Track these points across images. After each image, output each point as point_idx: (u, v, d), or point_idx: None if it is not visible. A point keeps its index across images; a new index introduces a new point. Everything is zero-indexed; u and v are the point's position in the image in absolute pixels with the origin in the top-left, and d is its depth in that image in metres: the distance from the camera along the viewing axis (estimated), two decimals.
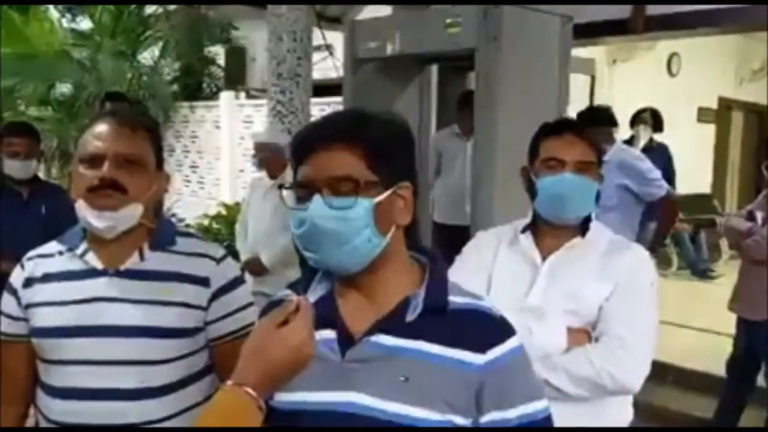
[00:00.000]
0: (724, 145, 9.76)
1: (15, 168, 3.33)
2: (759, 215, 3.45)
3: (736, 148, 10.02)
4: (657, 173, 3.87)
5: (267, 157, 4.02)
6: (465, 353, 1.07)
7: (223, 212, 7.40)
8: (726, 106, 9.62)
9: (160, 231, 1.55)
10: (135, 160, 1.46)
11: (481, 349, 1.07)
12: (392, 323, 1.09)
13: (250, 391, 0.99)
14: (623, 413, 1.84)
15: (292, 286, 1.24)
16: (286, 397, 1.08)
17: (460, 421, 1.06)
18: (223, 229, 6.87)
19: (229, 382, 1.01)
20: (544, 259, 1.80)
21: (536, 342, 1.66)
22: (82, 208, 1.45)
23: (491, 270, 1.83)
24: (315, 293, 1.15)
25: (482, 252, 1.88)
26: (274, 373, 1.01)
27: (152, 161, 1.51)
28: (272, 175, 4.01)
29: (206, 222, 7.22)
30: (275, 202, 3.85)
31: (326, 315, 1.11)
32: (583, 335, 1.71)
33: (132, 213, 1.46)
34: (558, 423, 1.65)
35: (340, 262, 1.09)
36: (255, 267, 3.89)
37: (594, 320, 1.73)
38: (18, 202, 3.36)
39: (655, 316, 1.77)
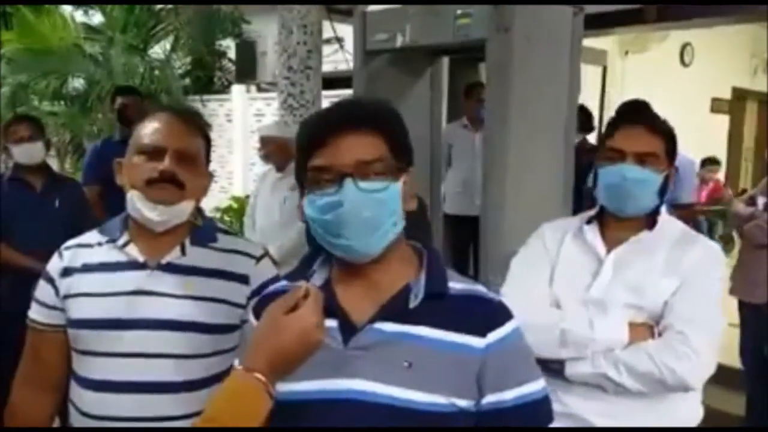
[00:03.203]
0: (737, 136, 9.69)
1: (23, 152, 3.36)
2: (760, 200, 3.45)
3: (750, 138, 9.94)
4: (693, 182, 4.00)
5: (272, 151, 4.03)
6: (466, 337, 1.08)
7: (234, 205, 7.44)
8: (740, 96, 9.55)
9: (202, 227, 1.56)
10: (192, 157, 1.48)
11: (481, 332, 1.08)
12: (394, 310, 1.10)
13: (260, 376, 1.00)
14: (692, 412, 1.78)
15: (288, 277, 1.24)
16: (290, 387, 1.08)
17: (462, 404, 1.07)
18: (234, 222, 6.91)
19: (239, 368, 1.02)
20: (609, 251, 1.76)
21: (597, 336, 1.65)
22: (135, 199, 1.45)
23: (555, 261, 1.81)
24: (315, 282, 1.15)
25: (547, 243, 1.86)
26: (284, 359, 1.02)
27: (204, 158, 1.53)
28: (279, 168, 4.02)
29: (218, 215, 7.26)
30: (283, 194, 3.87)
31: (326, 304, 1.10)
32: (645, 330, 1.68)
33: (185, 209, 1.48)
34: (623, 419, 1.67)
35: (369, 247, 1.09)
36: None
37: (658, 315, 1.69)
38: (32, 194, 3.39)
39: (721, 312, 1.71)
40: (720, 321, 1.71)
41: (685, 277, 1.69)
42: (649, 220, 1.77)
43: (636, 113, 1.80)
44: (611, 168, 1.73)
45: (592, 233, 1.80)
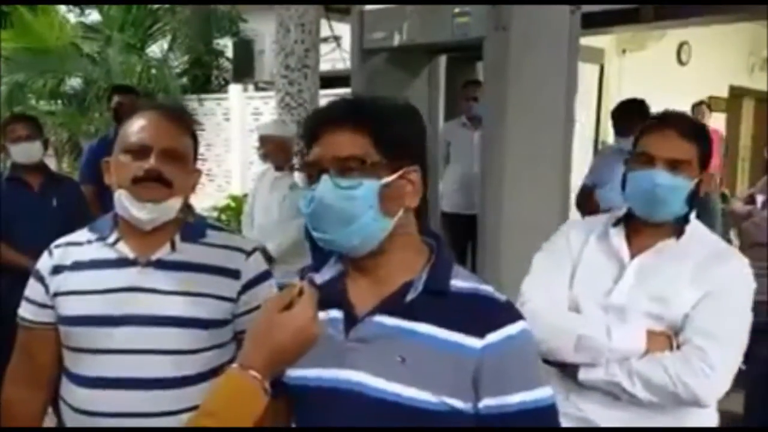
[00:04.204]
0: (734, 134, 9.69)
1: (21, 152, 3.36)
2: (759, 198, 3.46)
3: (747, 136, 9.95)
4: None
5: (271, 150, 4.04)
6: (462, 336, 1.07)
7: (232, 204, 7.44)
8: (737, 94, 9.56)
9: (192, 223, 1.57)
10: (179, 155, 1.48)
11: (479, 333, 1.07)
12: (393, 304, 1.11)
13: (255, 374, 1.00)
14: (707, 420, 1.74)
15: (303, 271, 1.25)
16: (292, 373, 1.12)
17: (456, 403, 1.07)
18: (232, 221, 6.91)
19: (235, 365, 1.03)
20: (633, 257, 1.72)
21: (614, 344, 1.62)
22: (123, 198, 1.46)
23: (577, 262, 1.77)
24: (326, 274, 1.18)
25: (571, 242, 1.81)
26: (279, 356, 1.02)
27: (192, 156, 1.53)
28: (278, 167, 4.03)
29: (215, 214, 7.25)
30: (282, 192, 3.88)
31: (335, 296, 1.14)
32: (663, 340, 1.64)
33: (173, 206, 1.48)
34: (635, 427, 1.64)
35: (347, 242, 1.10)
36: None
37: (679, 326, 1.65)
38: (30, 194, 3.39)
39: (745, 330, 1.67)
40: (742, 339, 1.66)
41: (710, 290, 1.64)
42: (677, 228, 1.72)
43: (668, 117, 1.75)
44: (641, 173, 1.69)
45: (618, 237, 1.75)
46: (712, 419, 1.75)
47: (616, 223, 1.77)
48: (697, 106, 6.64)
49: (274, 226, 3.87)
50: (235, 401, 1.00)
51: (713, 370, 1.58)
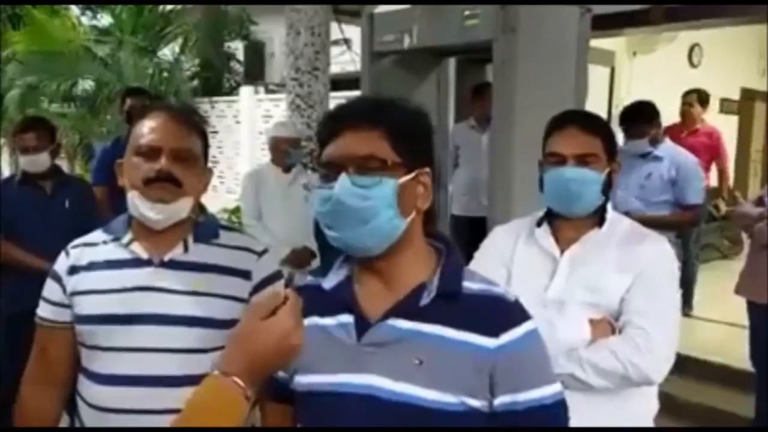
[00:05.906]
0: (746, 136, 9.64)
1: (28, 163, 3.39)
2: None
3: (759, 138, 9.88)
4: (702, 183, 3.97)
5: (286, 148, 4.04)
6: (477, 337, 1.09)
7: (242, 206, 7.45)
8: (748, 96, 9.50)
9: (205, 224, 1.59)
10: (189, 156, 1.51)
11: (494, 333, 1.09)
12: (407, 308, 1.11)
13: (237, 380, 0.99)
14: (649, 404, 1.83)
15: (314, 273, 1.26)
16: (305, 379, 1.12)
17: (473, 403, 1.08)
18: (242, 223, 6.93)
19: (216, 371, 1.01)
20: (562, 251, 1.79)
21: (560, 336, 1.65)
22: (134, 198, 1.49)
23: (510, 264, 1.83)
24: (334, 279, 1.18)
25: (500, 247, 1.88)
26: (261, 363, 1.01)
27: (202, 157, 1.56)
28: (285, 168, 4.04)
29: (225, 216, 7.28)
30: (302, 193, 3.88)
31: (344, 300, 1.14)
32: (606, 326, 1.70)
33: (184, 206, 1.51)
34: (583, 414, 1.63)
35: (362, 242, 1.10)
36: (304, 256, 3.89)
37: (616, 312, 1.72)
38: (42, 196, 3.42)
39: (677, 306, 1.77)
40: (677, 314, 1.75)
41: (639, 272, 1.71)
42: (597, 219, 1.80)
43: (568, 115, 1.83)
44: (554, 172, 1.76)
45: (545, 235, 1.82)
46: (653, 401, 1.82)
47: (539, 223, 1.84)
48: (685, 95, 5.86)
49: (305, 224, 3.77)
50: (216, 407, 0.99)
51: (658, 347, 1.66)
